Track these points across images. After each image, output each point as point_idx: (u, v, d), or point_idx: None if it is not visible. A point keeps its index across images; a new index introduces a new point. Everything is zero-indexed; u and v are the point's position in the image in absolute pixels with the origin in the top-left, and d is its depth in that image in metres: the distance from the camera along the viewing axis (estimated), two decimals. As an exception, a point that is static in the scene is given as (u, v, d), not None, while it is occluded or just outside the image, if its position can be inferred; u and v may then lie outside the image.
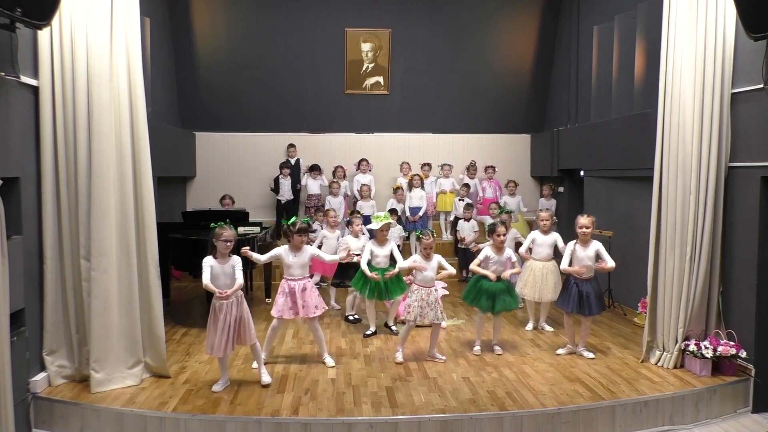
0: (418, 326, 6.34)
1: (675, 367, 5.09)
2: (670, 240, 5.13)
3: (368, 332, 6.14)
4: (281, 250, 5.10)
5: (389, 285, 5.82)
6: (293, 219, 5.17)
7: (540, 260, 6.08)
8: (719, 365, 4.93)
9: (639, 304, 6.46)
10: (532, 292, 6.08)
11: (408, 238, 9.04)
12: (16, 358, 4.02)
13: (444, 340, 5.89)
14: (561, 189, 9.66)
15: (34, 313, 4.52)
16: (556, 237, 6.07)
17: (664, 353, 5.19)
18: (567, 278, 5.46)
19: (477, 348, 5.60)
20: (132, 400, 4.41)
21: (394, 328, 6.30)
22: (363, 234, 6.64)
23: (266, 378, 4.74)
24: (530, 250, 6.12)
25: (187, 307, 7.49)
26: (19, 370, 4.16)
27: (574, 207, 9.23)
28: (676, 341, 5.09)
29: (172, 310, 7.02)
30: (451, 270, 5.35)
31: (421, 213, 9.24)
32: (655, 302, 5.29)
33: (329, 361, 5.23)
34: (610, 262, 5.25)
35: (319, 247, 6.73)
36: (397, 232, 8.37)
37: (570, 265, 5.33)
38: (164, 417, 4.19)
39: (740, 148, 4.95)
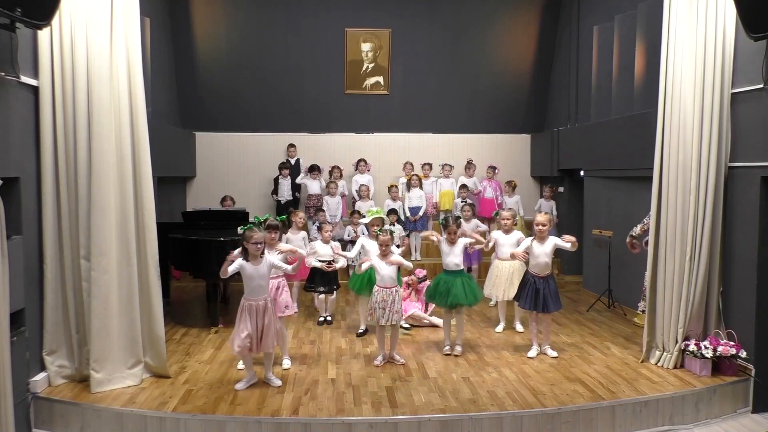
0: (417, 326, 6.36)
1: (675, 367, 5.09)
2: (670, 240, 5.13)
3: (360, 331, 6.18)
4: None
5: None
6: (266, 216, 5.12)
7: (505, 260, 6.10)
8: (719, 365, 4.92)
9: (639, 304, 6.45)
10: (498, 292, 6.12)
11: (408, 237, 9.04)
12: (16, 358, 4.01)
13: (444, 340, 5.88)
14: (561, 189, 9.66)
15: (34, 313, 4.52)
16: (518, 236, 6.11)
17: (664, 353, 5.19)
18: (524, 275, 5.49)
19: (446, 348, 5.58)
20: (132, 400, 4.41)
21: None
22: (334, 240, 6.78)
23: (276, 381, 4.72)
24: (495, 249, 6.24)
25: (187, 307, 7.49)
26: (19, 370, 4.16)
27: (574, 207, 9.24)
28: (676, 341, 5.09)
29: (172, 310, 7.02)
30: (407, 264, 5.32)
31: (421, 213, 9.24)
32: (655, 302, 5.29)
33: (286, 362, 5.15)
34: (568, 243, 5.28)
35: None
36: (397, 231, 8.37)
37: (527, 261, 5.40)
38: (164, 417, 4.19)
39: (740, 148, 4.95)
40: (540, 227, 5.33)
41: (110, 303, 4.62)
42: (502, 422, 4.22)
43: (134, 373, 4.74)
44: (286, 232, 6.30)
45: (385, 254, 5.19)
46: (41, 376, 4.57)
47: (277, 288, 5.00)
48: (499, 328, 6.37)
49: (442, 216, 8.87)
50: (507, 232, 6.13)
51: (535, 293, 5.32)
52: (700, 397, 4.65)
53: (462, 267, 5.52)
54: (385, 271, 5.16)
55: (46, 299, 4.59)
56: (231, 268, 4.51)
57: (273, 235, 4.99)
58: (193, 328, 6.37)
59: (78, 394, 4.50)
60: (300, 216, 7.11)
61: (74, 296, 4.66)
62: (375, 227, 5.82)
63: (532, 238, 5.40)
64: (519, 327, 6.33)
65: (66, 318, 4.68)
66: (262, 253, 4.61)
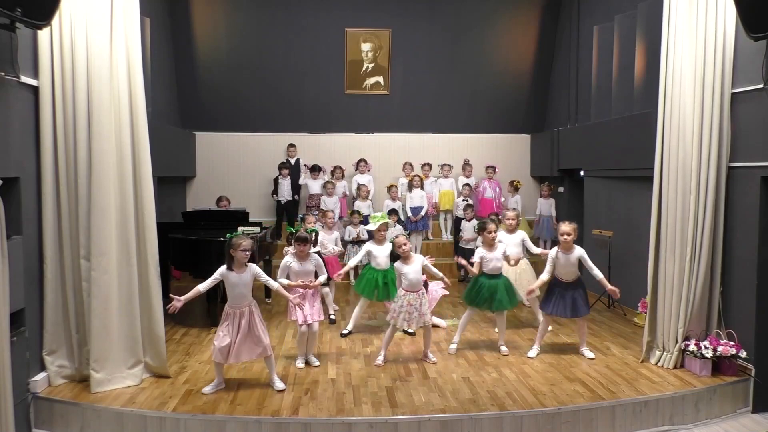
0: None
1: (675, 367, 5.09)
2: (670, 240, 5.12)
3: (345, 331, 6.14)
4: (289, 259, 5.11)
5: (389, 285, 5.83)
6: (297, 228, 5.19)
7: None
8: (719, 365, 4.92)
9: (639, 304, 6.45)
10: None
11: (408, 237, 9.04)
12: (16, 358, 4.02)
13: (444, 340, 5.88)
14: (561, 189, 9.66)
15: (34, 313, 4.52)
16: (522, 235, 6.11)
17: (664, 353, 5.19)
18: (551, 285, 5.40)
19: (453, 346, 5.57)
20: (132, 400, 4.41)
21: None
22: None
23: (280, 384, 4.68)
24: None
25: (187, 307, 7.41)
26: (19, 370, 4.16)
27: (574, 207, 9.24)
28: (676, 341, 5.09)
29: (172, 310, 7.01)
30: (437, 273, 5.32)
31: (422, 213, 9.25)
32: (655, 302, 5.29)
33: (315, 360, 5.25)
34: (596, 271, 5.26)
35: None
36: (397, 232, 8.37)
37: (553, 270, 5.33)
38: (164, 417, 4.19)
39: (740, 148, 4.94)
40: (564, 237, 5.24)
41: (110, 303, 4.62)
42: (502, 422, 4.22)
43: (134, 373, 4.74)
44: (315, 245, 6.26)
45: (406, 257, 5.15)
46: (41, 376, 4.57)
47: (313, 294, 5.11)
48: None
49: (476, 222, 8.78)
50: (511, 231, 6.12)
51: (563, 299, 5.27)
52: (700, 397, 4.65)
53: (502, 270, 5.49)
54: (413, 275, 5.12)
55: (46, 299, 4.59)
56: (211, 279, 4.57)
57: (303, 248, 5.05)
58: (193, 328, 6.37)
59: (78, 394, 4.51)
60: (329, 216, 7.07)
61: (74, 296, 4.66)
62: (382, 232, 5.81)
63: (557, 248, 5.35)
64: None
65: (66, 318, 4.68)
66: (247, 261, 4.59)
